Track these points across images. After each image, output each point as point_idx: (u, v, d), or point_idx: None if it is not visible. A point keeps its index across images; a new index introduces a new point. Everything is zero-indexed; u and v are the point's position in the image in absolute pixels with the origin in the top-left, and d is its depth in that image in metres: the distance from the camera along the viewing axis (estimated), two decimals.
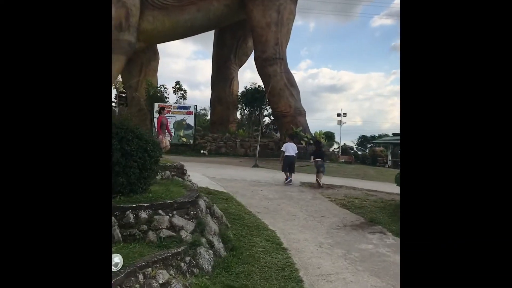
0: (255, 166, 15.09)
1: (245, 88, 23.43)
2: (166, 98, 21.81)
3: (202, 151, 19.74)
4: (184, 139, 19.98)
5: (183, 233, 4.69)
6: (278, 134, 22.51)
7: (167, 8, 20.05)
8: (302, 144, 20.31)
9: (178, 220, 4.77)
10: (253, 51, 21.85)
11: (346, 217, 7.52)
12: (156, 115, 19.21)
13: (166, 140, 10.06)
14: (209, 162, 15.96)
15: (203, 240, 4.83)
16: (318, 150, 11.45)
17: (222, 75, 24.83)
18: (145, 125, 20.95)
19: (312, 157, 11.24)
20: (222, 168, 13.44)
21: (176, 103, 25.35)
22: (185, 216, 4.97)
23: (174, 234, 4.65)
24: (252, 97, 21.71)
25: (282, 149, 11.45)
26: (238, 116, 25.83)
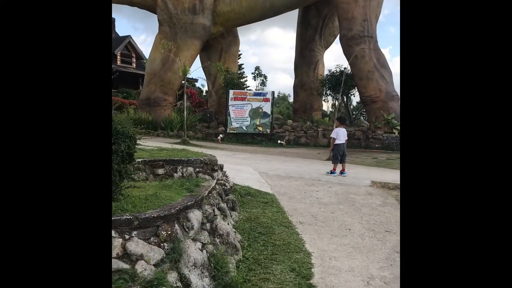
0: (329, 159, 13.12)
1: (329, 71, 21.25)
2: (244, 85, 20.59)
3: (279, 141, 18.19)
4: (260, 128, 18.58)
5: (140, 266, 3.18)
6: (368, 122, 20.08)
7: None
8: (394, 133, 17.78)
9: (136, 246, 3.26)
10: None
11: None
12: (231, 102, 18.12)
13: None
14: (281, 153, 14.36)
15: (173, 276, 3.28)
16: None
17: (306, 58, 22.94)
18: (222, 114, 20.03)
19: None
20: (288, 161, 11.75)
21: (257, 89, 24.13)
22: (152, 239, 3.45)
23: (127, 266, 3.17)
24: (337, 81, 19.51)
25: (333, 135, 9.77)
26: (324, 103, 23.78)
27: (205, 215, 4.27)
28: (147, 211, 3.64)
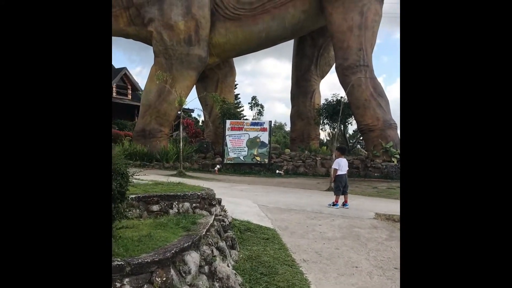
0: (330, 189, 12.82)
1: (325, 101, 21.20)
2: (240, 114, 20.46)
3: (277, 171, 17.90)
4: (258, 158, 18.32)
5: None
6: (366, 151, 19.88)
7: (240, 18, 18.77)
8: (393, 162, 17.55)
9: None
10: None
11: None
12: (228, 132, 17.94)
13: None
14: (280, 184, 14.05)
15: None
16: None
17: (302, 88, 22.92)
18: (219, 144, 19.80)
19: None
20: (287, 193, 11.43)
21: (254, 119, 24.05)
22: (146, 287, 3.12)
23: None
24: (334, 110, 19.41)
25: (334, 166, 9.48)
26: (321, 132, 23.64)
27: (203, 257, 3.95)
28: (141, 255, 3.33)
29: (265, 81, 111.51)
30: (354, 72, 17.78)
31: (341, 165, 9.25)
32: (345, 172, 9.30)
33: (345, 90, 18.03)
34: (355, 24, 17.85)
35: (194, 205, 5.86)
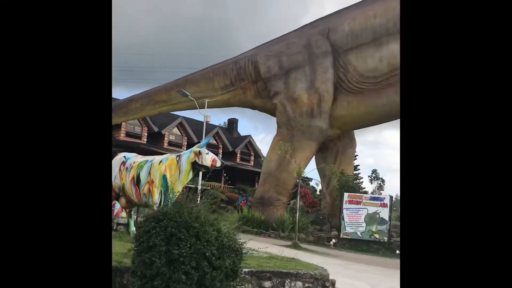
0: None
1: None
2: (359, 187, 19.88)
3: (397, 252, 16.68)
4: (376, 236, 17.38)
5: None
6: None
7: (363, 92, 18.82)
8: None
9: None
10: None
11: None
12: (345, 206, 17.53)
13: None
14: (399, 266, 12.99)
15: None
16: None
17: None
18: (335, 217, 19.33)
19: None
20: None
21: (373, 193, 23.17)
22: None
23: None
24: None
25: None
26: None
27: None
28: None
29: (387, 152, 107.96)
30: None
31: None
32: None
33: None
34: None
35: (306, 285, 5.69)
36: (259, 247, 7.88)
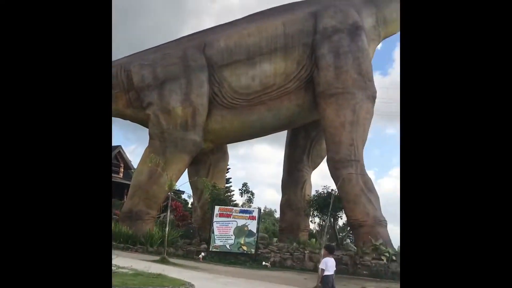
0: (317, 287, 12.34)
1: (316, 192, 21.23)
2: (230, 200, 20.32)
3: (263, 263, 17.34)
4: (244, 248, 17.84)
5: None
6: (356, 246, 19.49)
7: (236, 108, 19.39)
8: (382, 260, 17.12)
9: None
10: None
11: None
12: (216, 219, 17.69)
13: None
14: (266, 278, 13.56)
15: None
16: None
17: (293, 177, 22.99)
18: (206, 230, 19.40)
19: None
20: None
21: (243, 206, 23.83)
22: None
23: None
24: (324, 202, 19.36)
25: (321, 266, 9.03)
26: (310, 224, 23.35)
27: None
28: None
29: (257, 166, 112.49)
30: (345, 166, 17.99)
31: (328, 265, 8.93)
32: (332, 273, 8.98)
33: (336, 183, 18.13)
34: (347, 120, 18.39)
35: None
36: (125, 264, 7.53)
